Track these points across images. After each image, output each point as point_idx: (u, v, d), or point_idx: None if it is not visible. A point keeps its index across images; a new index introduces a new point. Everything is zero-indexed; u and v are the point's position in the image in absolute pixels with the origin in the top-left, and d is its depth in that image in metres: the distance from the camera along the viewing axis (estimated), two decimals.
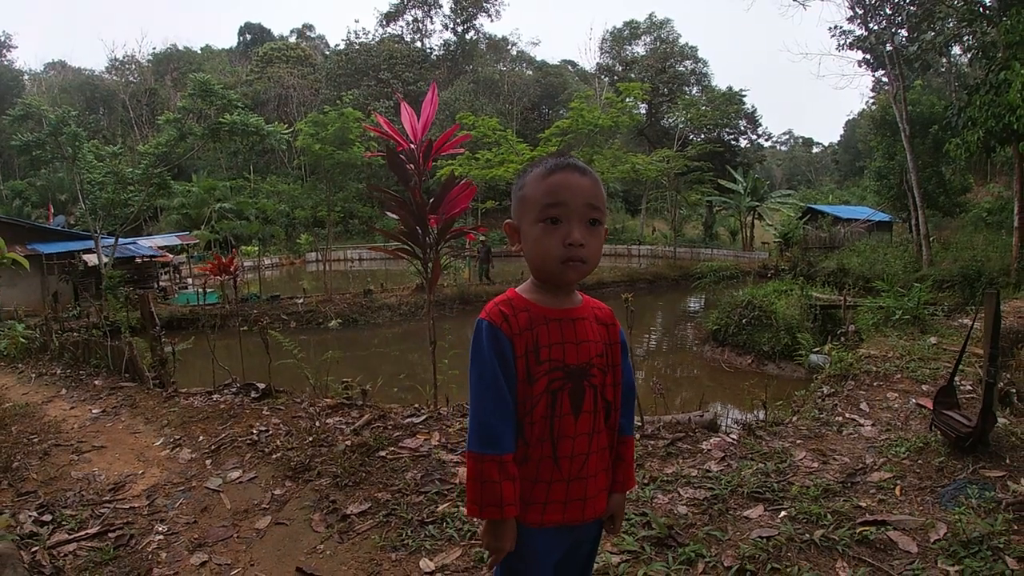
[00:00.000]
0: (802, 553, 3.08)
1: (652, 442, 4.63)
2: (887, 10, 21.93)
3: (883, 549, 3.10)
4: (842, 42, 23.69)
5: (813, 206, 38.63)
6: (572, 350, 1.67)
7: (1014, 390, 5.80)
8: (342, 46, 67.31)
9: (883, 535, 3.19)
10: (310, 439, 4.75)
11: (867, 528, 3.25)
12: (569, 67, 73.37)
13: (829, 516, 3.40)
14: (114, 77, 67.92)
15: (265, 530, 3.62)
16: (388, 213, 5.50)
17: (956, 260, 20.07)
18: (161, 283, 27.18)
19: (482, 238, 25.77)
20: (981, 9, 18.38)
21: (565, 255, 1.61)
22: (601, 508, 1.78)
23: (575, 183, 1.62)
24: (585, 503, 1.72)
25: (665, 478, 3.99)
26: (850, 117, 70.12)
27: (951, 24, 21.22)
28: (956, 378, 5.70)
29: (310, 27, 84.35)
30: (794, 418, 5.66)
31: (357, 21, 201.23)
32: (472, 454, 1.60)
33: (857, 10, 22.47)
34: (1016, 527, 3.21)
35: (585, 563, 1.86)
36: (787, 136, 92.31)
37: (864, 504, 3.57)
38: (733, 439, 4.74)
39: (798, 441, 4.73)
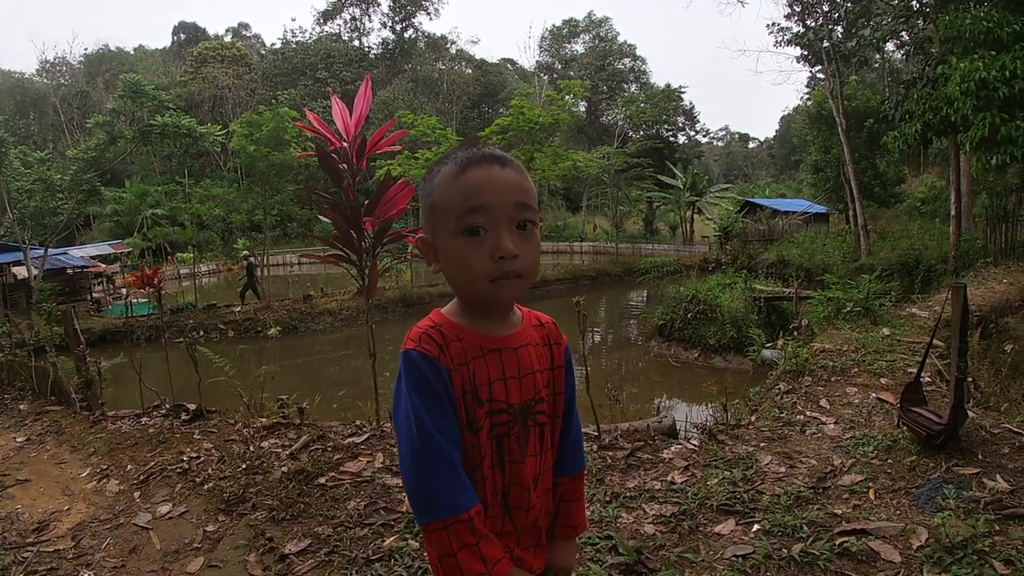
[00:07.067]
0: (782, 571, 2.88)
1: (611, 453, 4.37)
2: (824, 7, 22.39)
3: (866, 560, 2.92)
4: (780, 39, 24.14)
5: (751, 199, 39.31)
6: (515, 386, 1.37)
7: (970, 379, 5.74)
8: (278, 45, 66.14)
9: (864, 545, 3.01)
10: (244, 466, 4.37)
11: (846, 539, 3.07)
12: (509, 65, 73.47)
13: (805, 527, 3.20)
14: (45, 80, 65.91)
15: (197, 574, 3.28)
16: (321, 217, 5.14)
17: (895, 249, 20.52)
18: (95, 294, 26.18)
19: (245, 252, 25.33)
20: (917, 5, 18.85)
21: (495, 271, 1.26)
22: (544, 559, 1.51)
23: (497, 178, 1.28)
24: (536, 552, 1.46)
25: (628, 493, 3.73)
26: (785, 113, 71.72)
27: (887, 21, 21.70)
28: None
29: (246, 26, 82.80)
30: (753, 418, 5.47)
31: (294, 19, 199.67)
32: (431, 525, 1.25)
33: (795, 7, 22.90)
34: (999, 528, 3.07)
35: None
36: (724, 132, 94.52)
37: (839, 511, 3.38)
38: (694, 445, 4.52)
39: (761, 444, 4.53)
